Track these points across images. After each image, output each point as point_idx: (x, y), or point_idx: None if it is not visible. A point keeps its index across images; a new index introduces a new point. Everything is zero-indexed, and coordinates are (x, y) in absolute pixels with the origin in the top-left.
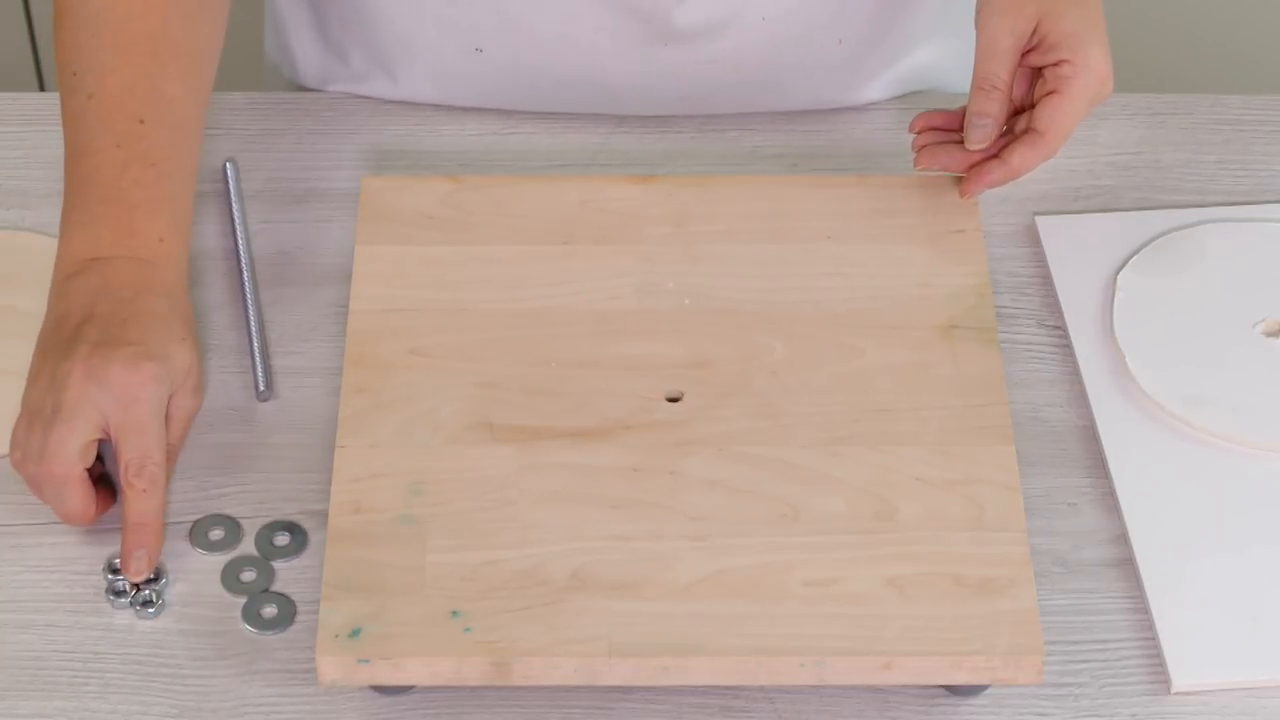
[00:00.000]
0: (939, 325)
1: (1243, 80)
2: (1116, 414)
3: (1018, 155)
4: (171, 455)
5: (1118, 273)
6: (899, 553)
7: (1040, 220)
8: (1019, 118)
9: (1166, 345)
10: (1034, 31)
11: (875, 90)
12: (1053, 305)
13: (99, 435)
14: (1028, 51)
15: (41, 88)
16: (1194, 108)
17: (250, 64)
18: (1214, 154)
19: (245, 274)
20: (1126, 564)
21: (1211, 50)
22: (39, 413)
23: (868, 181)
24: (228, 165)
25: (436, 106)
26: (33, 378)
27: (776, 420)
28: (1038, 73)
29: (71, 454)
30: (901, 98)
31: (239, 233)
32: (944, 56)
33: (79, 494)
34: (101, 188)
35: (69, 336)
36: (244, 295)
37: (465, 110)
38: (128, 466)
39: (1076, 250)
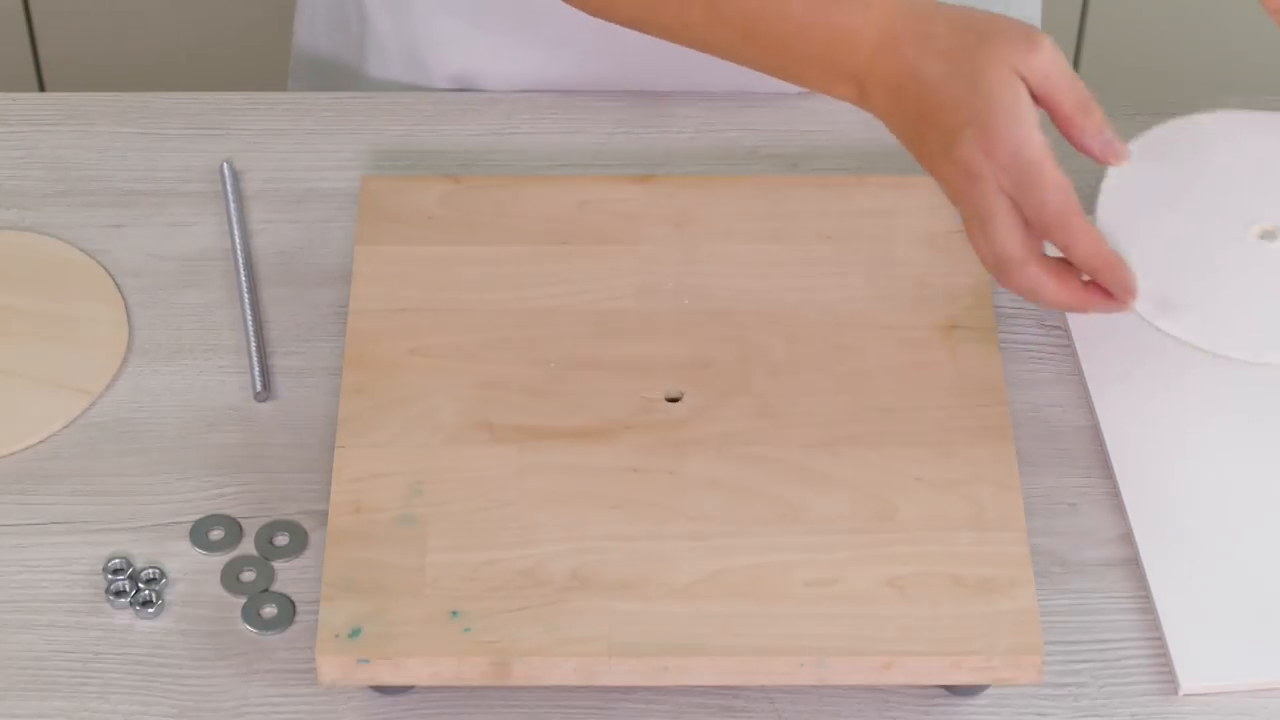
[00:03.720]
0: (939, 325)
1: (1243, 80)
2: (1119, 413)
3: None
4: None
5: None
6: (899, 553)
7: None
8: None
9: (1148, 240)
10: None
11: None
12: None
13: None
14: None
15: (41, 87)
16: (1194, 108)
17: (251, 64)
18: None
19: (243, 275)
20: (1126, 564)
21: (1212, 51)
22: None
23: (868, 182)
24: (225, 166)
25: (438, 105)
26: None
27: (776, 420)
28: None
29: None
30: None
31: (236, 233)
32: None
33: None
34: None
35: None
36: (241, 296)
37: (465, 109)
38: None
39: None
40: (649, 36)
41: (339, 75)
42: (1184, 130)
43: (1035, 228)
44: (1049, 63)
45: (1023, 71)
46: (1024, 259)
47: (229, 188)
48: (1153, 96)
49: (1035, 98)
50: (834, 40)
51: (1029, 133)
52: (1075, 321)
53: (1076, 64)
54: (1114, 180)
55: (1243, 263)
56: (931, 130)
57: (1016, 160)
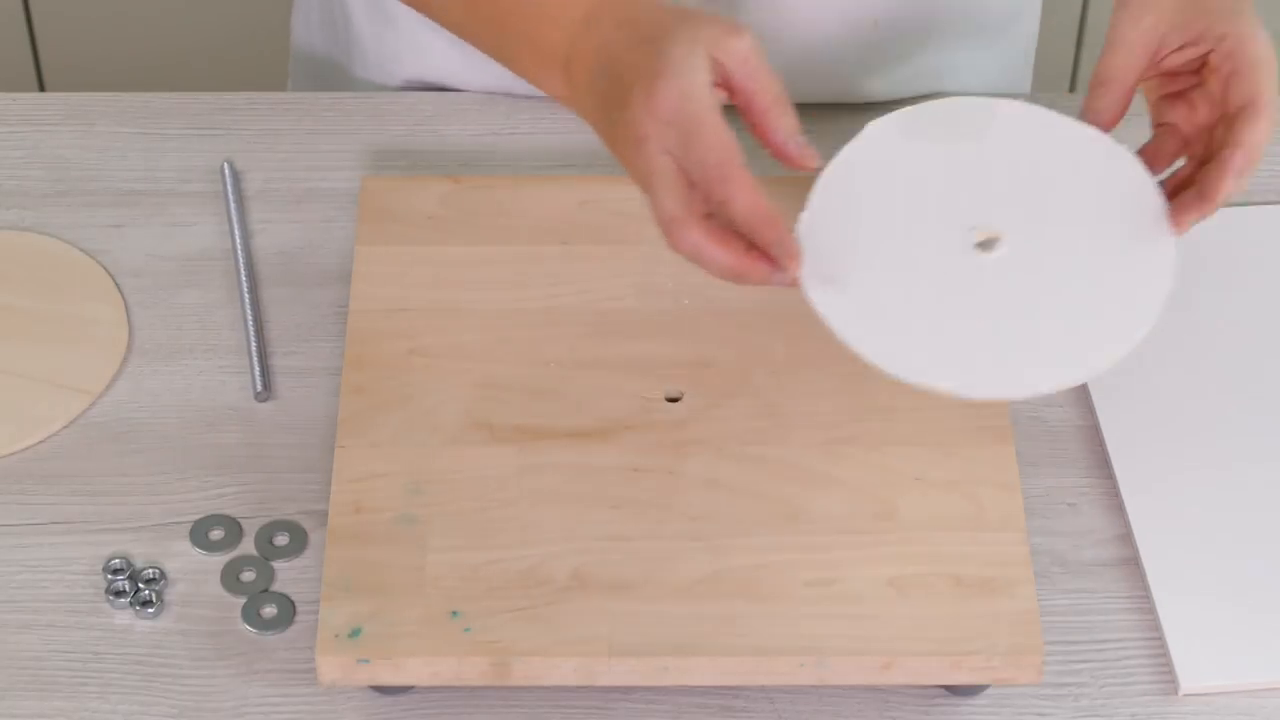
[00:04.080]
0: None
1: None
2: (1119, 413)
3: (1245, 130)
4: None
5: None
6: (899, 553)
7: None
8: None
9: (858, 220)
10: (1179, 26)
11: (889, 84)
12: None
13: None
14: (1181, 48)
15: (41, 87)
16: None
17: (251, 64)
18: None
19: (243, 275)
20: (1126, 564)
21: None
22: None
23: None
24: (225, 166)
25: (438, 105)
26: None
27: (776, 420)
28: (1192, 86)
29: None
30: (903, 101)
31: (236, 233)
32: (965, 63)
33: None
34: (512, 13)
35: (606, 94)
36: (242, 296)
37: (465, 109)
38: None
39: None
40: None
41: (334, 73)
42: (956, 112)
43: (699, 187)
44: (750, 50)
45: (718, 54)
46: (684, 221)
47: (229, 188)
48: None
49: (732, 87)
50: (544, 15)
51: (692, 88)
52: None
53: (1076, 63)
54: (860, 144)
55: (937, 266)
56: (613, 105)
57: (679, 115)
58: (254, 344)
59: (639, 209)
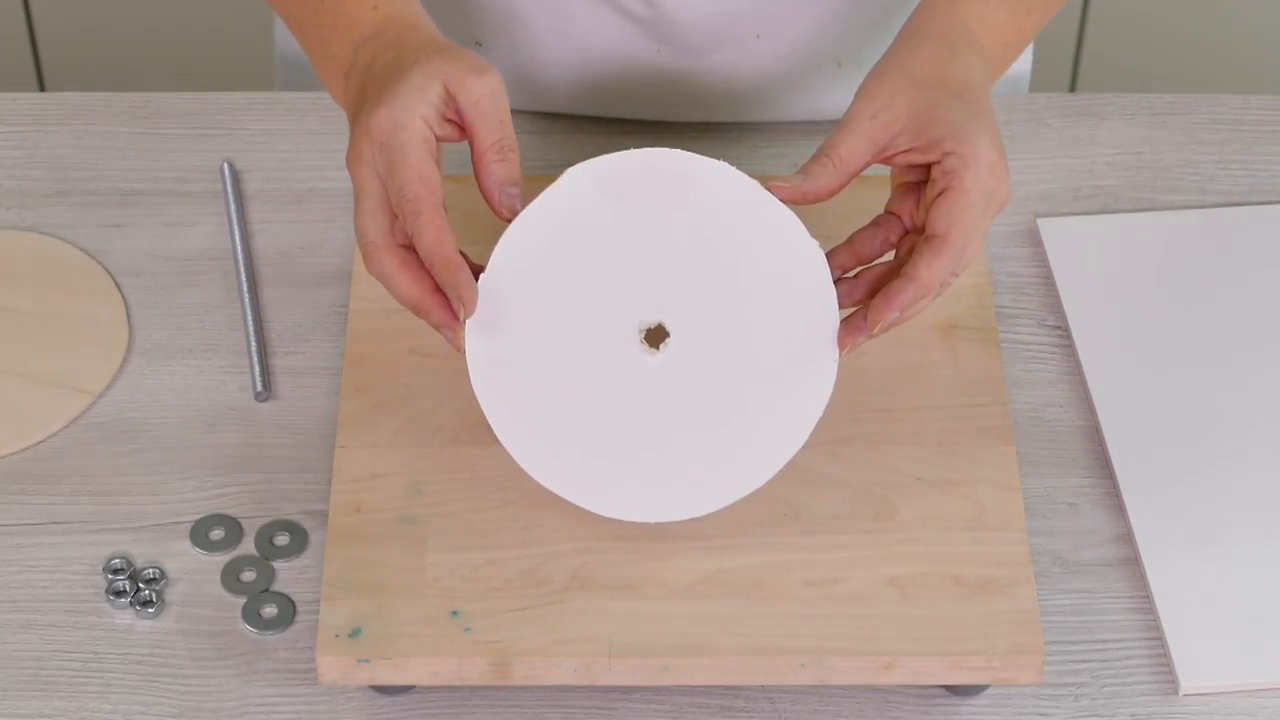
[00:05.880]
0: (939, 325)
1: (1243, 80)
2: (1119, 413)
3: (922, 265)
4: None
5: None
6: (899, 553)
7: (1042, 222)
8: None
9: (530, 286)
10: (912, 131)
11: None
12: (1053, 305)
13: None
14: (909, 150)
15: (41, 87)
16: (1194, 108)
17: (250, 64)
18: (1214, 154)
19: (243, 274)
20: (1127, 564)
21: (1211, 50)
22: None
23: (868, 181)
24: (225, 166)
25: None
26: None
27: None
28: (924, 180)
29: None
30: None
31: (236, 233)
32: None
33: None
34: (311, 18)
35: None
36: (242, 296)
37: None
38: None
39: (1078, 251)
40: (610, 75)
41: (316, 77)
42: (658, 168)
43: (398, 215)
44: (486, 92)
45: (455, 90)
46: (379, 245)
47: (229, 188)
48: (1151, 95)
49: (464, 123)
50: (336, 27)
51: (406, 118)
52: (1075, 321)
53: (1077, 63)
54: (543, 207)
55: (600, 360)
56: (352, 120)
57: (388, 141)
58: (254, 344)
59: None
